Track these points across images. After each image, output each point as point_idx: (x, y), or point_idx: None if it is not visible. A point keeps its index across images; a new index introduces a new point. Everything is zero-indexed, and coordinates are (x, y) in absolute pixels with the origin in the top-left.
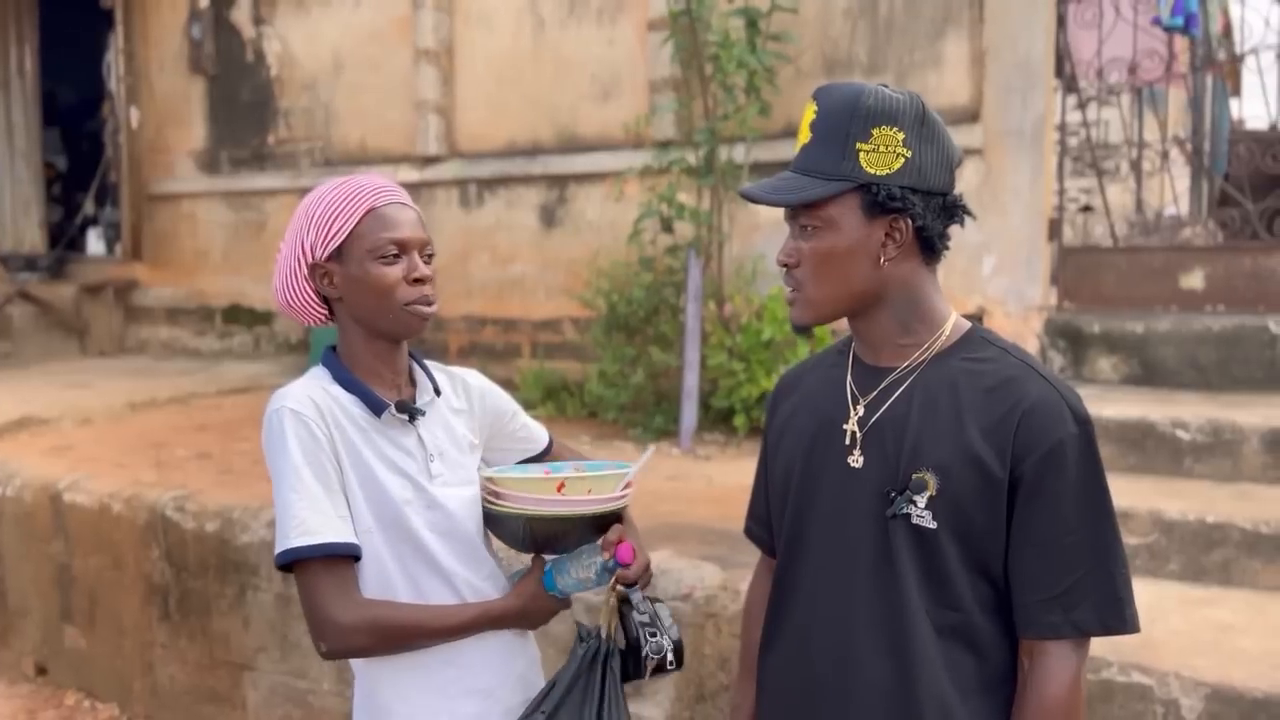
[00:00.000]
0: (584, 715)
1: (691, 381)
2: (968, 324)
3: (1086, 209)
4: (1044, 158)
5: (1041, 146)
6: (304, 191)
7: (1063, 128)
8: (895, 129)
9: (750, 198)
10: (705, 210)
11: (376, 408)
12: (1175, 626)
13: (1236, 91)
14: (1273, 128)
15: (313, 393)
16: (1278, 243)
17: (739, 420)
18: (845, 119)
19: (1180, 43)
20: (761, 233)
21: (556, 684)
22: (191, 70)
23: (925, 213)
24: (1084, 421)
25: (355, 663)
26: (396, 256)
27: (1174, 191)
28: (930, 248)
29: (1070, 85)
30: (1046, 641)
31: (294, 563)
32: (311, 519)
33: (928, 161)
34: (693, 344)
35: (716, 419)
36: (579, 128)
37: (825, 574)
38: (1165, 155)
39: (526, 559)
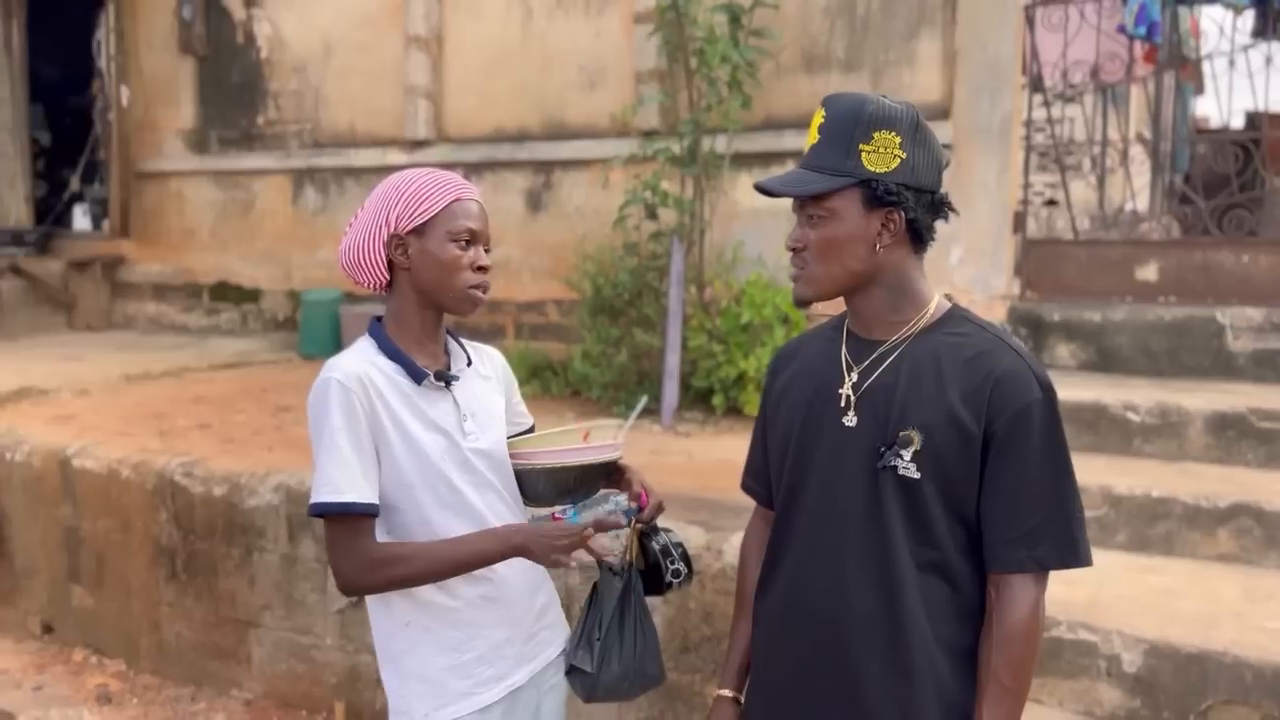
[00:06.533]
0: (624, 631)
1: (673, 362)
2: (949, 304)
3: (1051, 203)
4: (1011, 154)
5: (1009, 143)
6: (293, 172)
7: (1029, 125)
8: (894, 133)
9: (765, 190)
10: (688, 198)
11: (417, 376)
12: (1120, 591)
13: (1200, 90)
14: (1224, 128)
15: (359, 366)
16: (1227, 238)
17: (717, 400)
18: (850, 123)
19: (1141, 45)
20: (741, 221)
21: (602, 613)
22: (182, 50)
23: (916, 207)
24: (1047, 388)
25: (394, 604)
26: (468, 243)
27: (1131, 188)
28: (919, 238)
29: (1036, 85)
30: (1011, 575)
31: (323, 515)
32: (339, 479)
33: (920, 162)
34: (675, 326)
35: (696, 398)
36: (565, 116)
37: (820, 519)
38: (1125, 153)
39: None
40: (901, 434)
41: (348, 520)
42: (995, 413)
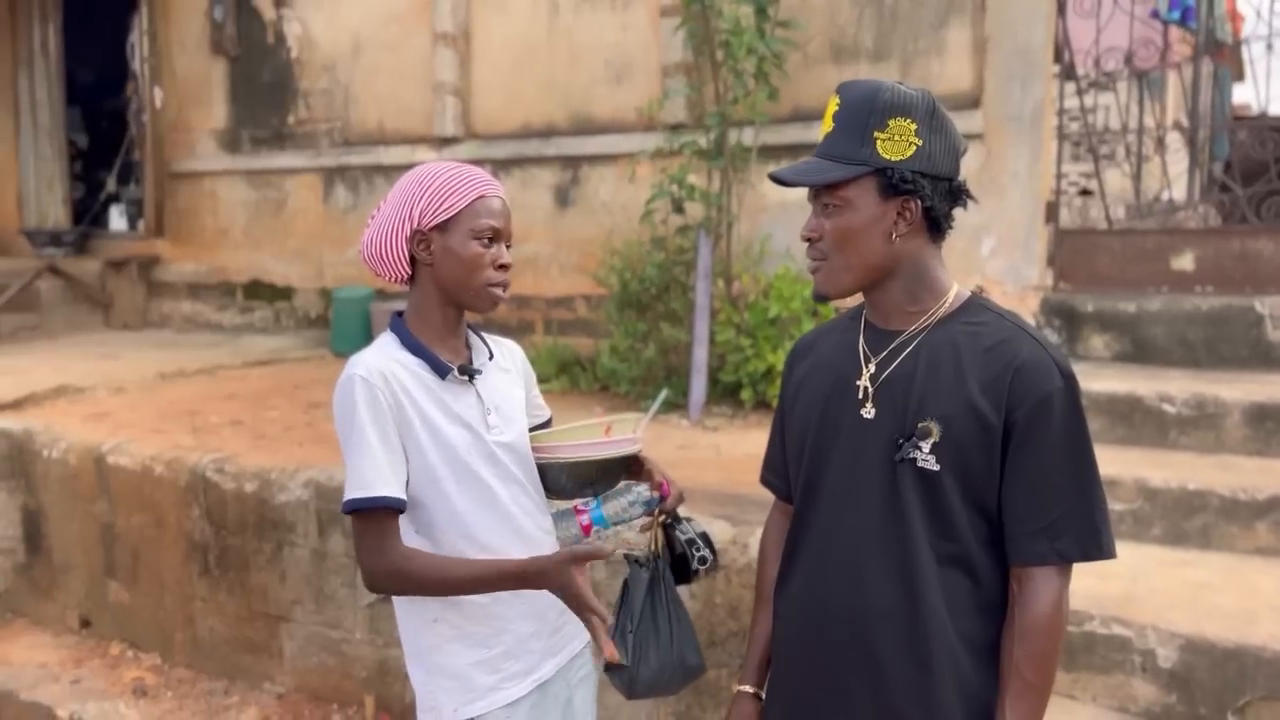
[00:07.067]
0: (658, 621)
1: (701, 356)
2: (968, 293)
3: (1085, 193)
4: (1043, 143)
5: (1040, 132)
6: (323, 170)
7: (1061, 113)
8: (909, 120)
9: (779, 180)
10: (715, 192)
11: (441, 371)
12: (1155, 585)
13: (1239, 77)
14: (1262, 115)
15: (382, 362)
16: (1265, 226)
17: (746, 394)
18: (865, 111)
19: (1177, 30)
20: (768, 214)
21: (633, 606)
22: (213, 51)
23: (933, 195)
24: (1069, 377)
25: (421, 600)
26: (491, 241)
27: (1168, 176)
28: (937, 227)
29: (1069, 73)
30: (1033, 568)
31: (355, 512)
32: (368, 475)
33: (936, 150)
34: (702, 320)
35: (724, 392)
36: (592, 110)
37: (839, 512)
38: (1160, 141)
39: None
40: (920, 425)
41: (375, 516)
42: (1016, 402)
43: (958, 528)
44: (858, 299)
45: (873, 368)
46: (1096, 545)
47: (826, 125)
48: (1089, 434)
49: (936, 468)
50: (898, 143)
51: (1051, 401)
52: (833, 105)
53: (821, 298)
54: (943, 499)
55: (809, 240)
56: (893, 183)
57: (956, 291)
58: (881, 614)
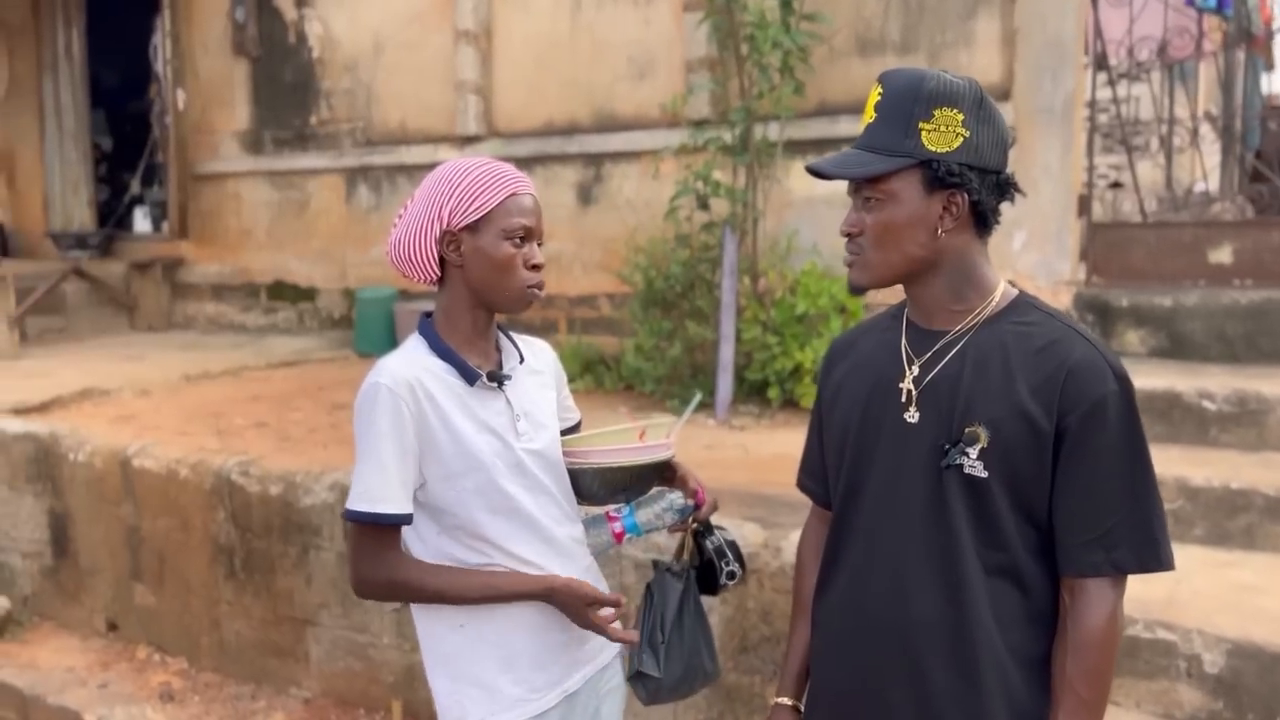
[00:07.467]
0: (684, 630)
1: (727, 354)
2: (1015, 291)
3: (1116, 185)
4: (1074, 135)
5: (1071, 124)
6: (346, 171)
7: (1092, 105)
8: (956, 110)
9: (818, 172)
10: (740, 188)
11: (470, 377)
12: (1199, 587)
13: (1271, 66)
14: None
15: (409, 370)
16: None
17: (773, 392)
18: (909, 100)
19: (1211, 19)
20: (794, 210)
21: (664, 616)
22: (235, 53)
23: (980, 188)
24: (1123, 379)
25: (445, 607)
26: (523, 240)
27: (1204, 168)
28: (983, 221)
29: (1100, 63)
30: (1087, 579)
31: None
32: (375, 488)
33: (984, 141)
34: (728, 318)
35: (751, 391)
36: (615, 107)
37: (881, 520)
38: (1195, 132)
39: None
40: (967, 430)
41: (376, 530)
42: (1068, 406)
43: (1006, 536)
44: (895, 294)
45: (916, 369)
46: (1155, 556)
47: (868, 115)
48: (1145, 438)
49: (984, 475)
50: (944, 134)
51: (1106, 405)
52: (875, 95)
53: (856, 289)
54: (990, 507)
55: (849, 235)
56: (939, 175)
57: (1004, 290)
58: (926, 625)
